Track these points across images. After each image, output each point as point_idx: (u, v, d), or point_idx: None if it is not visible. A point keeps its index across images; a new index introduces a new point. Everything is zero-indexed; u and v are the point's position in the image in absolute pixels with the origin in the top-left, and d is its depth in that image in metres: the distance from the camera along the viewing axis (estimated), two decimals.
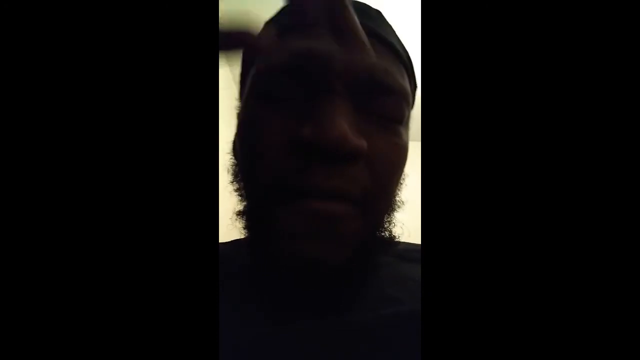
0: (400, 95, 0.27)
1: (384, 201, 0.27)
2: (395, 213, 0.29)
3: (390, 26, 0.31)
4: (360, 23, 0.24)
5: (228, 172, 0.32)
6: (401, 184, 0.30)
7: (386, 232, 0.28)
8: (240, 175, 0.30)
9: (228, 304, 0.24)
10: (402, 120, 0.27)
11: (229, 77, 1.62)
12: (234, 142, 0.32)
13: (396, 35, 0.31)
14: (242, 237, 0.31)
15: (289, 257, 0.23)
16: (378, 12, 0.31)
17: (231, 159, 0.33)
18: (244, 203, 0.29)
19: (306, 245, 0.23)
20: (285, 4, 0.29)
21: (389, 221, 0.29)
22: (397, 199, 0.30)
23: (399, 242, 0.36)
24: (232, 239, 0.37)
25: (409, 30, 1.60)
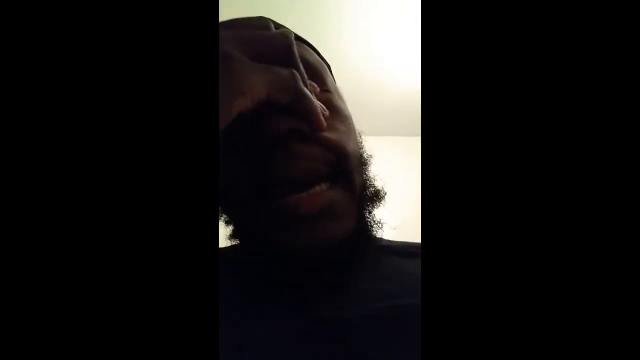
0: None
1: (351, 161, 0.28)
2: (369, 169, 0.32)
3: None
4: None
5: None
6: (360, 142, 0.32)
7: (370, 191, 0.31)
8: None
9: (228, 304, 0.24)
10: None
11: None
12: None
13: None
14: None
15: (279, 245, 0.25)
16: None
17: None
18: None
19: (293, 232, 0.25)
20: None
21: (365, 175, 0.31)
22: (364, 154, 0.32)
23: (392, 241, 0.36)
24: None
25: (408, 30, 1.60)
